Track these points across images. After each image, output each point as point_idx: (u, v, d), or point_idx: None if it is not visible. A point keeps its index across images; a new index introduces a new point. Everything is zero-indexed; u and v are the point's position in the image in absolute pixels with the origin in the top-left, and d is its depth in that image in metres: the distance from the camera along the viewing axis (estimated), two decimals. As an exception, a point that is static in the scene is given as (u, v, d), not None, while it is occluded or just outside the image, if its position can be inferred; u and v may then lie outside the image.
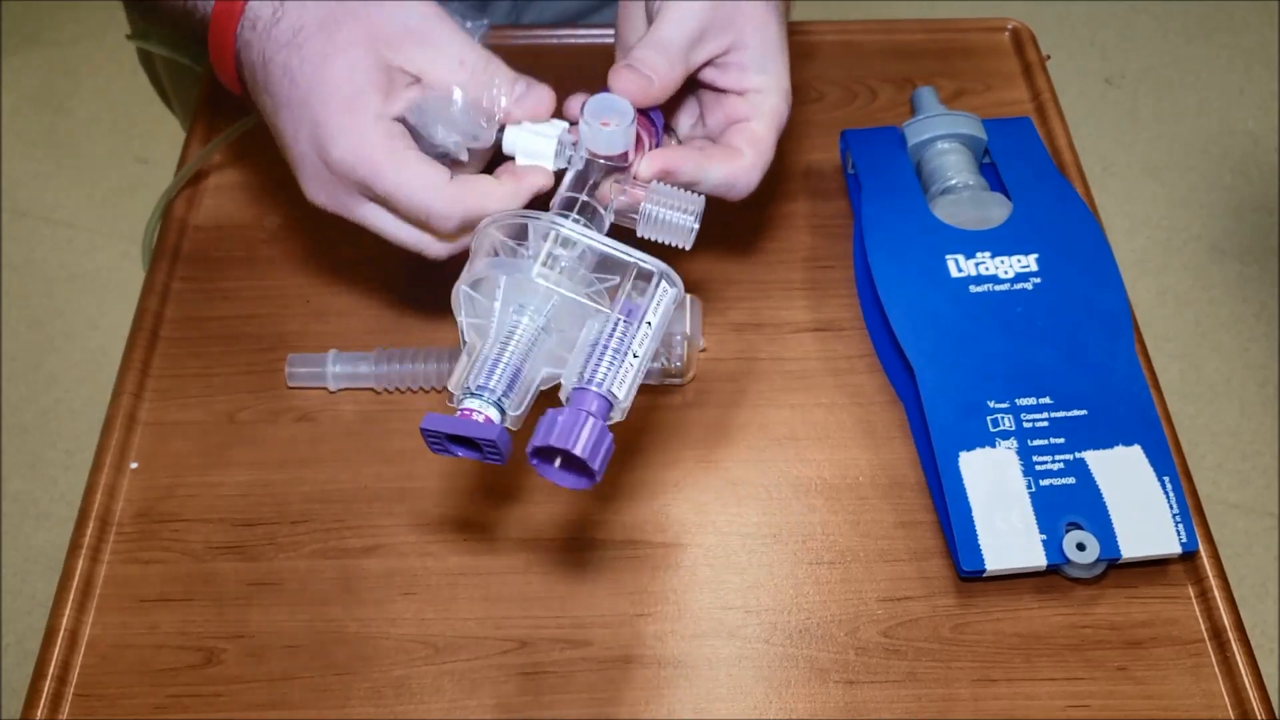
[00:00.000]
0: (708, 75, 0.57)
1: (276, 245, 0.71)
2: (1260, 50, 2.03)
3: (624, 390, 0.45)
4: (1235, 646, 0.56)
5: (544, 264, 0.47)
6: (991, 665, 0.56)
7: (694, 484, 0.61)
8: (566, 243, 0.48)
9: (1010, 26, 0.82)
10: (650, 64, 0.54)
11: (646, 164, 0.54)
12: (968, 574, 0.56)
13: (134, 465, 0.62)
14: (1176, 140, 1.92)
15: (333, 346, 0.65)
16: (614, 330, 0.46)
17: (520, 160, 0.54)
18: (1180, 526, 0.56)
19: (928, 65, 0.80)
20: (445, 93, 0.52)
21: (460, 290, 0.48)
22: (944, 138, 0.68)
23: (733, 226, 0.71)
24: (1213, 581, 0.57)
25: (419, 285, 0.69)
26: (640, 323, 0.46)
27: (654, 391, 0.65)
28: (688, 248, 0.53)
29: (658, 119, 0.57)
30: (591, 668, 0.56)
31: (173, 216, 0.72)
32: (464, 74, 0.52)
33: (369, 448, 0.63)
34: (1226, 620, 0.56)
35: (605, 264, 0.48)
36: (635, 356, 0.46)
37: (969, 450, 0.58)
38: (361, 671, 0.55)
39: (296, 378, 0.64)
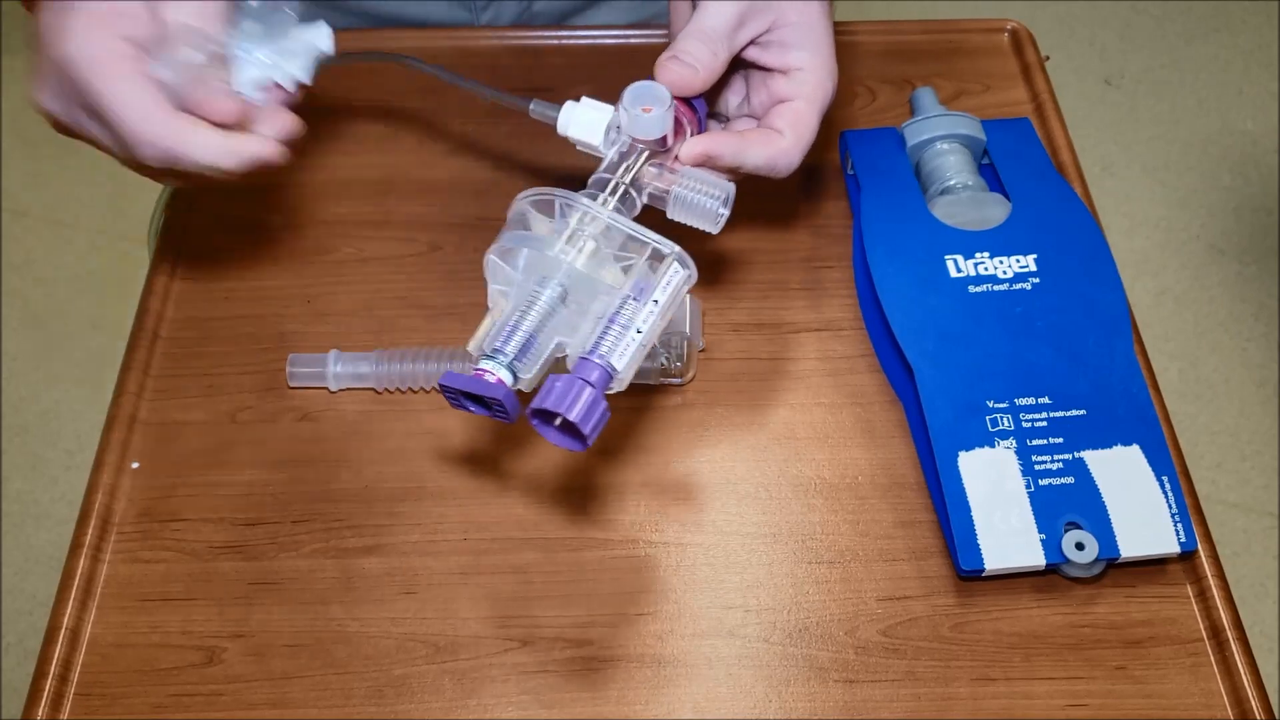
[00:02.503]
0: (751, 54, 0.58)
1: (276, 245, 0.71)
2: (1260, 50, 2.03)
3: (623, 363, 0.47)
4: (1234, 646, 0.56)
5: (566, 241, 0.49)
6: (990, 664, 0.56)
7: (694, 484, 0.61)
8: (588, 220, 0.50)
9: (1009, 27, 0.82)
10: (694, 54, 0.55)
11: (687, 149, 0.56)
12: (967, 573, 0.56)
13: (135, 465, 0.62)
14: (1176, 140, 1.92)
15: (333, 346, 0.65)
16: (621, 306, 0.48)
17: (573, 133, 0.55)
18: (1179, 526, 0.56)
19: (927, 65, 0.80)
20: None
21: (489, 258, 0.50)
22: (943, 138, 0.68)
23: (733, 226, 0.71)
24: (1211, 581, 0.58)
25: (420, 285, 0.69)
26: (647, 301, 0.48)
27: (654, 391, 0.65)
28: (715, 232, 0.55)
29: (700, 105, 0.58)
30: (591, 668, 0.56)
31: (173, 217, 0.72)
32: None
33: (369, 448, 0.63)
34: (1225, 620, 0.56)
35: (628, 244, 0.50)
36: (639, 332, 0.48)
37: (968, 450, 0.58)
38: (362, 671, 0.56)
39: (297, 378, 0.64)
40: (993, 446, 0.58)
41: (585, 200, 0.50)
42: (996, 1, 1.03)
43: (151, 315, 0.67)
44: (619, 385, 0.48)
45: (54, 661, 0.56)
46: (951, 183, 0.67)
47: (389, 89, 0.78)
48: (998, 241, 0.64)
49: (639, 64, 0.79)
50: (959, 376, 0.60)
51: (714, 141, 0.56)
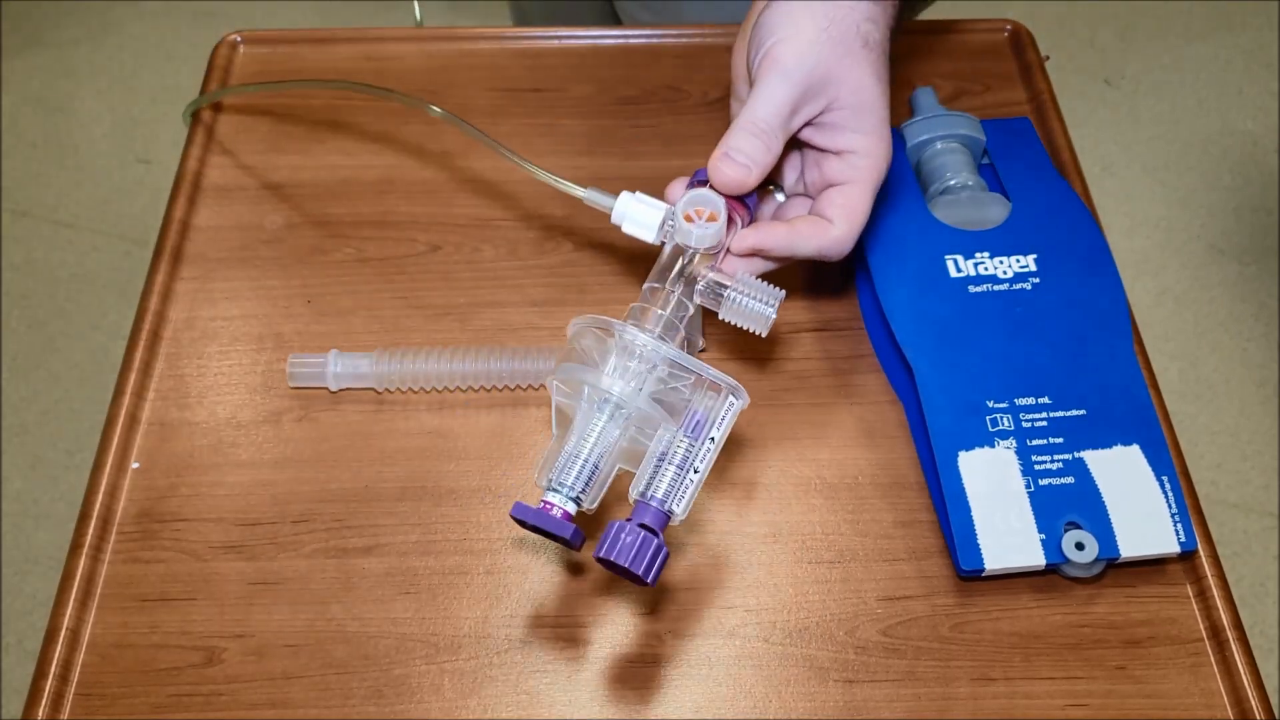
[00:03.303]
0: (806, 134, 0.57)
1: (276, 245, 0.71)
2: (1260, 50, 2.03)
3: (682, 505, 0.50)
4: (1234, 646, 0.56)
5: (623, 371, 0.51)
6: (990, 664, 0.56)
7: (694, 484, 0.61)
8: (644, 348, 0.51)
9: (1009, 27, 0.82)
10: (747, 152, 0.54)
11: (738, 242, 0.56)
12: (967, 573, 0.56)
13: (135, 465, 0.62)
14: (1176, 140, 1.92)
15: (333, 346, 0.65)
16: (678, 446, 0.50)
17: (627, 228, 0.56)
18: (1179, 526, 0.56)
19: (927, 65, 0.80)
20: None
21: (552, 382, 0.52)
22: (943, 138, 0.68)
23: (732, 227, 0.71)
24: (1211, 581, 0.58)
25: (420, 285, 0.69)
26: (703, 439, 0.50)
27: (654, 391, 0.65)
28: (764, 335, 0.55)
29: (750, 196, 0.58)
30: (591, 668, 0.56)
31: (173, 217, 0.72)
32: None
33: (369, 448, 0.63)
34: (1225, 620, 0.56)
35: (684, 369, 0.51)
36: (696, 472, 0.50)
37: (968, 450, 0.58)
38: (361, 671, 0.56)
39: (297, 378, 0.64)
40: (993, 446, 0.58)
41: (640, 334, 0.51)
42: (996, 1, 1.03)
43: (151, 315, 0.67)
44: (677, 521, 0.50)
45: (54, 662, 0.56)
46: (951, 183, 0.67)
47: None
48: (998, 241, 0.64)
49: (638, 64, 0.79)
50: (959, 376, 0.60)
51: (764, 235, 0.56)
